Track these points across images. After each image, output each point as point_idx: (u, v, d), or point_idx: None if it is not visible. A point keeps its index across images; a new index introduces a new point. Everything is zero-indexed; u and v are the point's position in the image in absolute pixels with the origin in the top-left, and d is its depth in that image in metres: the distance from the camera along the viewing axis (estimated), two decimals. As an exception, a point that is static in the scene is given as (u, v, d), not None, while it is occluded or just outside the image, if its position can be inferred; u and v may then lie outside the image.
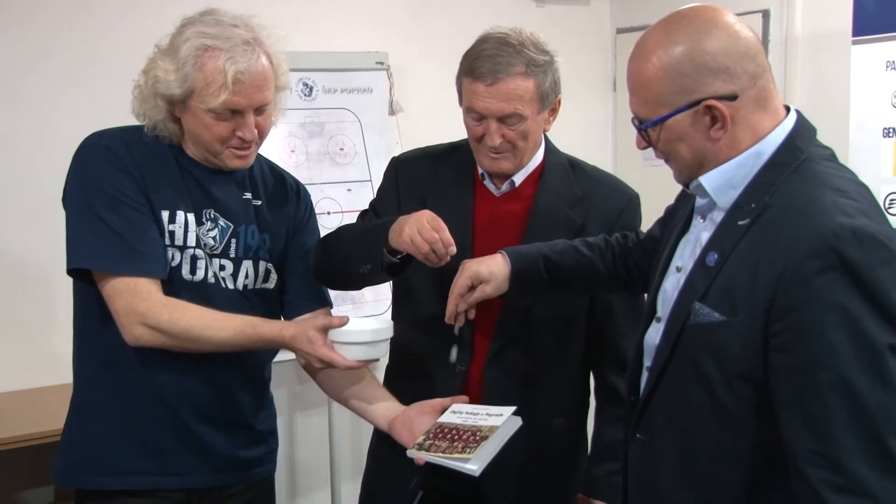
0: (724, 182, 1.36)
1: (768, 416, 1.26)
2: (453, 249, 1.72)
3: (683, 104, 1.32)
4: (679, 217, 1.53)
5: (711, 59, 1.30)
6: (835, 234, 1.20)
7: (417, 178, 1.98)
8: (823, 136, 1.41)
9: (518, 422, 1.77)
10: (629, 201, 1.96)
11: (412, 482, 1.88)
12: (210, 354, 1.74)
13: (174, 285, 1.73)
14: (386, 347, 1.75)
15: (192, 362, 1.74)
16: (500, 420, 1.73)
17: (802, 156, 1.33)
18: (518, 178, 1.92)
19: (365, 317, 3.05)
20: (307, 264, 1.94)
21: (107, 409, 1.77)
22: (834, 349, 1.19)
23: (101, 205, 1.68)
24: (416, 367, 1.95)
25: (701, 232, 1.42)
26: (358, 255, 1.83)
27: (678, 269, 1.44)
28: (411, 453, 1.73)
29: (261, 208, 1.87)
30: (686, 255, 1.44)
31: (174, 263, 1.74)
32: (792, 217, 1.26)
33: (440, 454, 1.68)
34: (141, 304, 1.66)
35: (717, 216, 1.38)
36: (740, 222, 1.32)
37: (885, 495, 1.18)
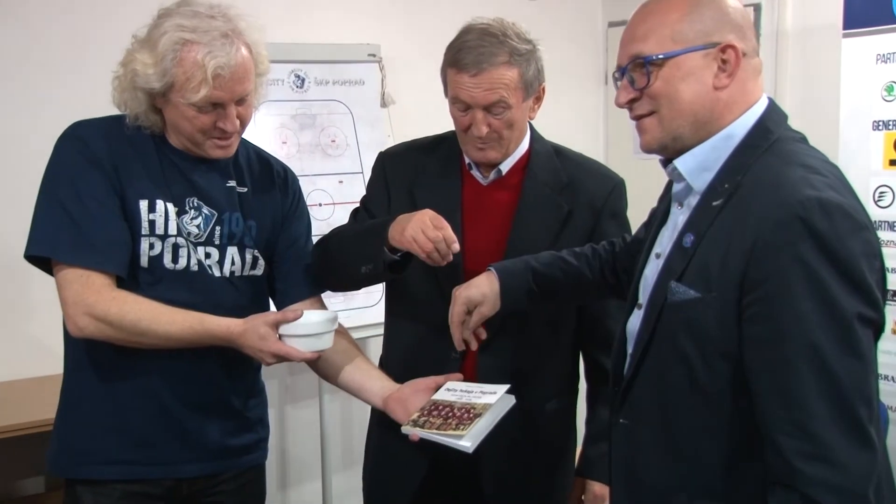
0: (697, 165, 1.38)
1: (745, 393, 1.28)
2: (456, 247, 1.73)
3: (701, 43, 1.34)
4: (660, 212, 1.56)
5: (733, 13, 1.36)
6: (802, 206, 1.21)
7: (405, 170, 1.99)
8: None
9: (511, 400, 1.78)
10: (615, 186, 1.98)
11: (419, 466, 1.91)
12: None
13: (155, 274, 1.74)
14: (332, 337, 1.78)
15: (179, 350, 1.73)
16: (493, 398, 1.75)
17: (773, 137, 1.36)
18: (505, 167, 1.93)
19: (355, 308, 3.05)
20: (297, 252, 1.94)
21: (93, 398, 1.77)
22: (803, 318, 1.20)
23: (66, 196, 1.68)
24: (409, 359, 1.96)
25: (678, 217, 1.44)
26: (358, 255, 1.84)
27: (657, 256, 1.46)
28: (405, 430, 1.74)
29: (246, 196, 1.86)
30: (665, 242, 1.46)
31: (154, 253, 1.74)
32: (761, 192, 1.28)
33: (434, 431, 1.69)
34: (90, 296, 1.66)
35: (693, 200, 1.40)
36: (714, 203, 1.34)
37: (855, 463, 1.20)
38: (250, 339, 1.71)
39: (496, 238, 1.91)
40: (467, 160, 1.94)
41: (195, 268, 1.78)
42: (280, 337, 1.72)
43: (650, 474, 1.41)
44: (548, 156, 1.97)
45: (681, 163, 1.40)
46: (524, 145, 1.95)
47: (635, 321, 1.47)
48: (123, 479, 1.76)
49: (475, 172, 1.95)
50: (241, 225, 1.84)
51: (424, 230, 1.71)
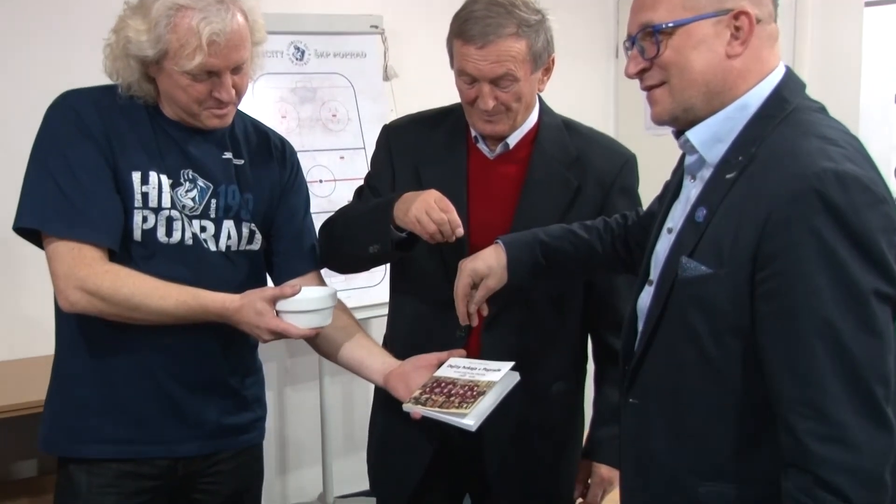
0: (711, 136, 1.37)
1: (757, 371, 1.28)
2: (460, 231, 1.74)
3: (712, 10, 1.33)
4: (673, 185, 1.55)
5: None
6: (818, 178, 1.20)
7: (409, 145, 1.99)
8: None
9: (516, 377, 1.78)
10: (626, 161, 1.97)
11: (426, 449, 1.92)
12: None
13: (148, 248, 1.74)
14: (331, 313, 1.78)
15: (173, 327, 1.73)
16: (497, 375, 1.75)
17: (790, 107, 1.34)
18: (512, 140, 1.93)
19: (357, 288, 3.05)
20: (296, 226, 1.95)
21: (86, 376, 1.77)
22: (818, 294, 1.20)
23: (57, 168, 1.68)
24: (413, 337, 1.97)
25: (691, 191, 1.43)
26: (365, 236, 1.86)
27: (669, 231, 1.46)
28: (407, 407, 1.74)
29: (242, 168, 1.86)
30: (677, 216, 1.46)
31: (147, 226, 1.74)
32: (776, 164, 1.27)
33: (436, 409, 1.69)
34: (82, 270, 1.66)
35: (706, 173, 1.40)
36: (728, 176, 1.33)
37: (870, 444, 1.19)
38: (247, 315, 1.71)
39: (502, 213, 1.92)
40: (474, 133, 1.94)
41: (190, 242, 1.78)
42: (277, 313, 1.72)
43: (660, 455, 1.41)
44: (557, 129, 1.96)
45: (693, 134, 1.39)
46: (533, 118, 1.94)
47: (646, 298, 1.47)
48: (118, 458, 1.77)
49: (482, 146, 1.94)
50: (238, 198, 1.84)
51: (429, 212, 1.72)
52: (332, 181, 3.18)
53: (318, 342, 1.94)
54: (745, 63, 1.35)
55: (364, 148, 3.25)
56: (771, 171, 1.27)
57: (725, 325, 1.30)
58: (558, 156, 1.93)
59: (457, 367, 1.81)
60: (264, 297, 1.71)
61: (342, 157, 3.23)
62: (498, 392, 1.74)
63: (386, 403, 1.96)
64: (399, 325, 2.05)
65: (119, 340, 1.75)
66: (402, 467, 2.00)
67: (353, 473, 3.45)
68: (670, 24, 1.34)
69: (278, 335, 1.73)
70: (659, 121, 1.43)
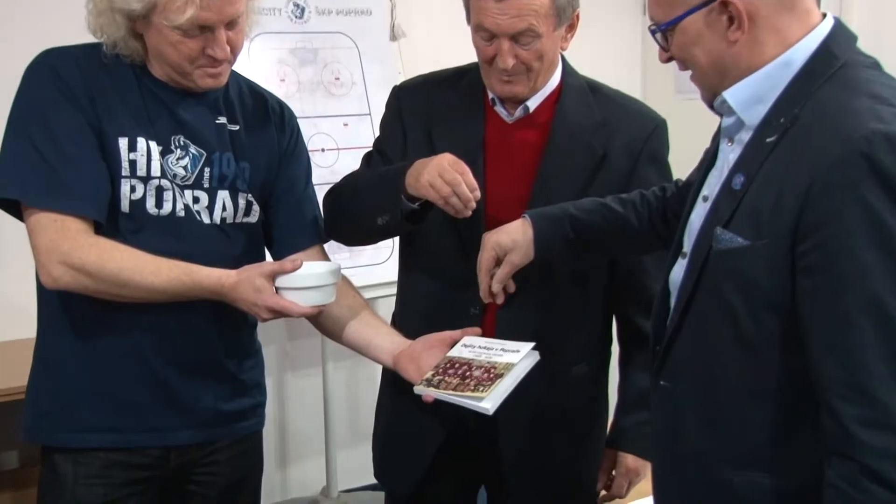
0: (750, 96, 1.37)
1: (796, 351, 1.27)
2: (478, 194, 1.75)
3: (697, 2, 1.33)
4: (711, 151, 1.55)
5: None
6: (867, 140, 1.19)
7: (422, 107, 1.99)
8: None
9: (536, 357, 1.79)
10: (656, 127, 1.97)
11: (436, 434, 1.94)
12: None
13: (136, 220, 1.74)
14: (335, 290, 1.79)
15: (165, 306, 1.74)
16: (516, 357, 1.75)
17: (838, 63, 1.32)
18: (532, 103, 1.93)
19: (362, 266, 3.06)
20: (296, 196, 1.95)
21: (71, 359, 1.78)
22: (865, 267, 1.19)
23: (38, 133, 1.68)
24: (424, 315, 1.99)
25: (728, 155, 1.43)
26: (373, 205, 1.86)
27: (705, 199, 1.46)
28: (418, 390, 1.75)
29: (238, 134, 1.86)
30: (713, 183, 1.45)
31: (136, 196, 1.74)
32: (821, 126, 1.26)
33: (450, 391, 1.70)
34: (66, 243, 1.66)
35: (745, 136, 1.39)
36: (768, 139, 1.32)
37: None
38: (244, 293, 1.71)
39: (521, 182, 1.92)
40: (491, 95, 1.94)
41: (181, 213, 1.78)
42: (277, 290, 1.73)
43: (692, 442, 1.41)
44: (581, 92, 1.96)
45: (730, 94, 1.38)
46: (555, 79, 1.94)
47: (679, 272, 1.47)
48: (106, 447, 1.78)
49: (499, 109, 1.94)
50: (233, 166, 1.84)
51: (442, 174, 1.73)
52: (336, 150, 3.17)
53: (322, 321, 1.94)
54: (757, 37, 1.34)
55: (370, 114, 3.24)
56: (815, 134, 1.26)
57: (763, 301, 1.30)
58: (582, 120, 1.93)
59: (472, 346, 1.81)
60: (263, 272, 1.71)
61: (346, 125, 3.22)
62: (517, 374, 1.74)
63: (394, 386, 1.98)
64: (409, 302, 2.06)
65: (106, 320, 1.75)
66: (410, 455, 2.01)
67: (360, 465, 3.43)
68: (665, 24, 1.38)
69: (278, 314, 1.73)
70: (705, 101, 1.45)
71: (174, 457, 1.84)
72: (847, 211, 1.19)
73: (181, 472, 1.86)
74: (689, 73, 1.45)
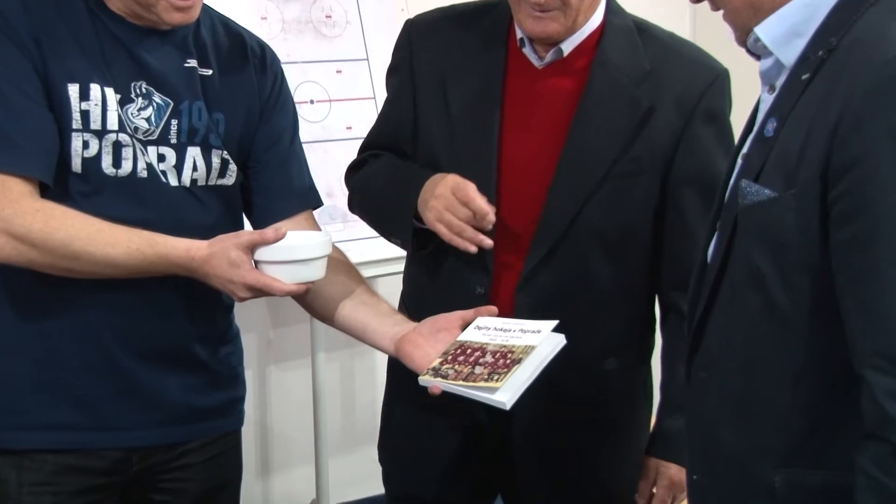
0: (786, 30, 1.38)
1: (832, 321, 1.27)
2: (492, 217, 1.83)
3: None
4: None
5: None
6: None
7: (437, 48, 2.01)
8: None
9: (560, 340, 1.78)
10: (717, 77, 1.95)
11: (448, 434, 1.98)
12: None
13: (90, 182, 1.74)
14: (324, 265, 1.80)
15: (124, 282, 1.74)
16: (537, 338, 1.75)
17: None
18: (567, 46, 1.91)
19: (359, 239, 3.05)
20: (280, 154, 1.96)
21: (14, 346, 1.78)
22: None
23: None
24: (427, 296, 2.02)
25: (767, 105, 1.43)
26: (386, 224, 2.03)
27: (743, 157, 1.47)
28: (423, 380, 1.76)
29: (211, 80, 1.86)
30: (751, 138, 1.46)
31: (89, 154, 1.74)
32: (857, 55, 1.26)
33: (461, 382, 1.70)
34: (7, 208, 1.66)
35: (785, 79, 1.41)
36: (804, 76, 1.33)
37: None
38: (217, 267, 1.71)
39: (548, 141, 1.92)
40: (519, 34, 1.93)
41: (144, 174, 1.78)
42: (257, 264, 1.72)
43: (726, 438, 1.42)
44: (627, 34, 1.95)
45: (763, 30, 1.39)
46: (596, 18, 1.93)
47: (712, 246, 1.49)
48: (56, 449, 1.78)
49: (528, 51, 1.94)
50: (205, 118, 1.84)
51: (450, 209, 1.82)
52: (327, 101, 3.16)
53: (311, 302, 1.94)
54: None
55: (367, 59, 3.23)
56: (849, 64, 1.26)
57: (794, 261, 1.31)
58: (626, 68, 1.92)
59: (486, 328, 1.81)
60: (240, 243, 1.71)
61: (339, 72, 3.20)
62: (538, 359, 1.73)
63: (401, 376, 1.98)
64: (411, 281, 2.09)
65: (55, 299, 1.76)
66: (420, 459, 2.04)
67: (355, 475, 3.49)
68: None
69: (258, 292, 1.73)
70: (740, 43, 1.47)
71: (137, 460, 1.84)
72: (879, 147, 1.20)
73: (145, 479, 1.87)
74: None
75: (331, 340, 3.33)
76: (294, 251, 1.74)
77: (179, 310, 1.84)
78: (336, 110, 3.14)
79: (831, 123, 1.24)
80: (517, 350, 1.73)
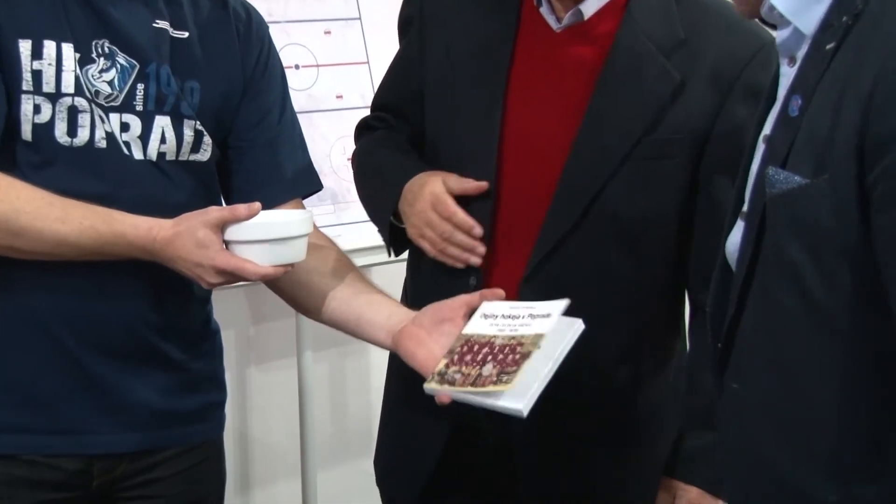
0: None
1: (878, 316, 1.27)
2: (478, 231, 1.90)
3: None
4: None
5: None
6: None
7: (449, 7, 2.05)
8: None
9: (576, 325, 1.76)
10: (760, 48, 1.93)
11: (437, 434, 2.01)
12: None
13: (41, 151, 1.74)
14: (305, 245, 1.79)
15: (77, 265, 1.73)
16: (547, 324, 1.74)
17: None
18: (588, 8, 1.93)
19: (350, 223, 3.05)
20: (267, 133, 1.97)
21: None
22: None
23: None
24: (428, 288, 2.03)
25: (789, 80, 1.44)
26: (373, 214, 2.13)
27: (765, 140, 1.47)
28: (430, 389, 1.76)
29: (188, 44, 1.87)
30: (774, 118, 1.46)
31: (41, 119, 1.73)
32: (890, 15, 1.25)
33: (469, 388, 1.69)
34: None
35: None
36: (828, 46, 1.33)
37: None
38: (183, 249, 1.70)
39: (563, 118, 1.93)
40: None
41: (102, 143, 1.77)
42: (228, 245, 1.72)
43: (774, 458, 1.41)
44: None
45: None
46: None
47: (737, 236, 1.49)
48: (3, 454, 1.77)
49: (545, 12, 1.95)
50: (176, 85, 1.83)
51: (431, 225, 1.90)
52: (314, 67, 3.15)
53: (296, 293, 1.96)
54: None
55: (359, 18, 3.23)
56: (882, 27, 1.26)
57: (831, 251, 1.30)
58: (657, 34, 1.91)
59: (493, 316, 1.81)
60: (208, 220, 1.70)
61: (328, 33, 3.20)
62: (551, 350, 1.71)
63: (401, 376, 2.01)
64: (416, 267, 2.12)
65: None
66: (412, 461, 2.07)
67: (347, 490, 3.52)
68: None
69: (229, 276, 1.72)
70: (746, 15, 1.53)
71: (98, 471, 1.83)
72: None
73: (109, 493, 1.86)
74: None
75: (319, 337, 3.33)
76: (270, 229, 1.72)
77: (142, 297, 1.82)
78: (325, 76, 3.14)
79: (864, 96, 1.23)
80: (526, 341, 1.72)
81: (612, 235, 1.93)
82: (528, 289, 1.91)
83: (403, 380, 2.01)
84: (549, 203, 1.91)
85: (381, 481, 2.20)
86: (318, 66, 3.16)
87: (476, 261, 1.90)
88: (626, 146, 1.89)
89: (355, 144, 2.22)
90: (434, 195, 1.89)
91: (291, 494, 3.52)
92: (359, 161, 2.19)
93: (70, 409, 1.79)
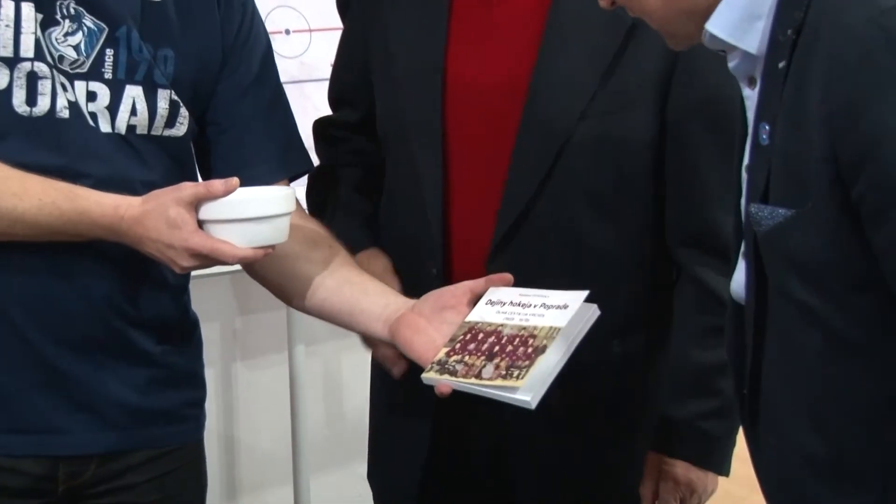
0: (739, 15, 1.42)
1: None
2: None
3: None
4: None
5: None
6: (882, 14, 1.22)
7: None
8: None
9: (592, 312, 1.78)
10: None
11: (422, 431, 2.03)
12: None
13: None
14: (287, 225, 1.79)
15: (37, 245, 1.73)
16: (564, 316, 1.75)
17: None
18: None
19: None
20: (249, 107, 1.97)
21: None
22: None
23: None
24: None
25: (753, 104, 1.47)
26: None
27: (747, 170, 1.50)
28: (428, 378, 1.76)
29: (162, 8, 1.86)
30: (749, 147, 1.50)
31: None
32: (829, 23, 1.29)
33: (473, 380, 1.70)
34: None
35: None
36: (780, 64, 1.36)
37: None
38: (153, 229, 1.69)
39: (510, 78, 1.96)
40: None
41: (64, 113, 1.77)
42: (202, 224, 1.71)
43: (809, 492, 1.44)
44: None
45: (715, 25, 1.44)
46: None
47: (741, 275, 1.51)
48: None
49: None
50: (148, 52, 1.83)
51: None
52: (307, 32, 3.18)
53: (282, 283, 1.98)
54: None
55: (356, -22, 3.23)
56: (821, 36, 1.29)
57: (842, 283, 1.33)
58: None
59: (501, 303, 1.82)
60: (180, 198, 1.69)
61: (319, -7, 3.24)
62: (566, 344, 1.72)
63: (382, 380, 2.07)
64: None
65: None
66: (401, 456, 2.09)
67: (341, 496, 3.56)
68: None
69: (204, 259, 1.71)
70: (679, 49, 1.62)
71: (65, 475, 1.82)
72: (892, 122, 1.21)
73: (76, 501, 1.85)
74: None
75: (312, 330, 3.37)
76: (248, 207, 1.72)
77: (109, 282, 1.81)
78: (317, 43, 3.17)
79: (824, 117, 1.27)
80: (540, 334, 1.73)
81: (581, 199, 1.96)
82: (494, 269, 1.92)
83: (386, 385, 2.06)
84: (506, 170, 1.94)
85: (376, 497, 2.23)
86: (310, 30, 3.19)
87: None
88: (582, 99, 1.92)
89: (316, 150, 2.23)
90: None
91: (282, 502, 3.54)
92: (313, 200, 2.25)
93: (31, 405, 1.79)
